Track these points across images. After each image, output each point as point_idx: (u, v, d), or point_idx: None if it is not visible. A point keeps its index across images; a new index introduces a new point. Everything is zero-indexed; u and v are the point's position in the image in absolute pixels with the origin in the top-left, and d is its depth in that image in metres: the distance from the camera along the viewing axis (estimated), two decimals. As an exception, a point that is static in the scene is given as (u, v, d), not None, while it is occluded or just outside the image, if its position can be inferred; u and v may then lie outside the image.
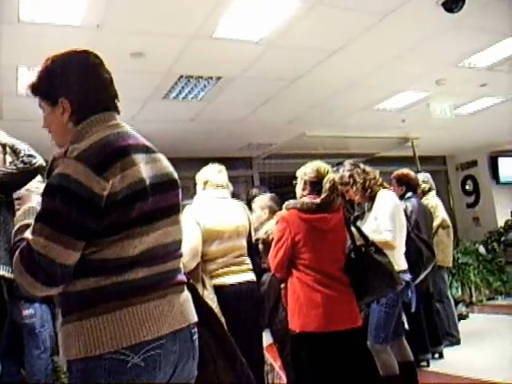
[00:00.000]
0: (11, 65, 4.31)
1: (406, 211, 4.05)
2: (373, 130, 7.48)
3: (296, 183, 3.19)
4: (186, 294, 1.62)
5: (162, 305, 1.49)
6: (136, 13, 3.69)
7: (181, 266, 1.66)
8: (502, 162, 9.86)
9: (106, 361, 1.39)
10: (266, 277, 3.47)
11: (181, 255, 1.66)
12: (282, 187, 7.26)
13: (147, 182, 1.50)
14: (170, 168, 1.67)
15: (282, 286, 3.18)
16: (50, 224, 1.39)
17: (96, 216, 1.40)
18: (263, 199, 4.00)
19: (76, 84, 1.61)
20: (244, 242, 3.41)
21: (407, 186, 4.90)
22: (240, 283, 3.16)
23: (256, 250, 3.56)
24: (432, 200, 5.61)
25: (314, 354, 2.87)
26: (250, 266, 3.40)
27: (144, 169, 1.51)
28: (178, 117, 5.97)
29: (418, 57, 5.00)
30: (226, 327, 1.91)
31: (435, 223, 5.43)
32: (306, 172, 3.15)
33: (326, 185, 3.03)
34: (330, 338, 2.86)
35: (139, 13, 3.69)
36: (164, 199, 1.57)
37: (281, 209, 3.29)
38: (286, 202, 3.08)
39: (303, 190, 3.13)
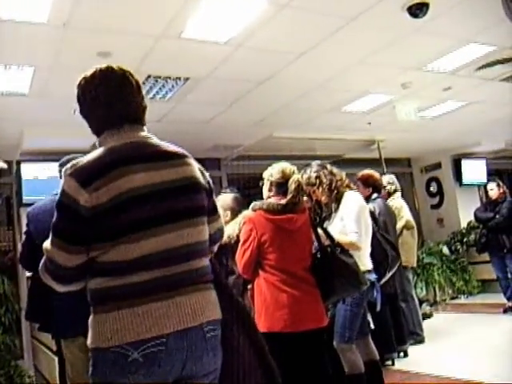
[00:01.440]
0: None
1: (373, 212, 4.11)
2: (339, 132, 7.55)
3: (263, 184, 3.20)
4: (206, 294, 1.71)
5: (167, 306, 1.60)
6: (103, 11, 3.64)
7: (202, 266, 1.73)
8: (465, 165, 10.07)
9: (112, 353, 1.56)
10: (230, 279, 3.48)
11: (202, 256, 1.74)
12: (250, 188, 7.27)
13: (143, 191, 1.62)
14: (188, 173, 1.76)
15: (249, 287, 3.19)
16: (54, 233, 1.65)
17: (84, 224, 1.59)
18: (225, 200, 3.97)
19: (85, 104, 1.81)
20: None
21: (373, 188, 4.98)
22: None
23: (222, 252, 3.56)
24: (397, 201, 5.71)
25: (281, 354, 2.86)
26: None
27: (141, 178, 1.63)
28: (146, 117, 5.90)
29: (383, 60, 5.08)
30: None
31: (400, 224, 5.53)
32: (271, 173, 3.17)
33: (292, 186, 3.05)
34: (296, 338, 2.89)
35: (106, 11, 3.65)
36: (172, 204, 1.67)
37: (240, 210, 3.30)
38: (253, 203, 3.09)
39: (269, 191, 3.15)
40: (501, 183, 7.27)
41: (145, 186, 1.63)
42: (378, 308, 3.70)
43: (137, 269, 1.59)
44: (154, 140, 1.80)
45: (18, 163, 6.50)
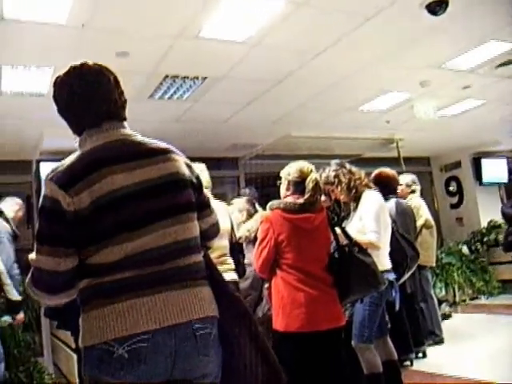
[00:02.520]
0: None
1: (390, 211, 4.07)
2: (358, 131, 7.52)
3: (280, 183, 3.20)
4: (196, 290, 1.66)
5: (153, 301, 1.56)
6: (122, 12, 3.67)
7: (192, 262, 1.68)
8: (485, 164, 9.96)
9: (97, 350, 1.54)
10: (249, 270, 3.49)
11: (192, 252, 1.70)
12: (267, 187, 7.26)
13: (126, 191, 1.60)
14: (172, 169, 1.71)
15: (266, 286, 3.19)
16: (38, 240, 1.62)
17: (67, 227, 1.58)
18: (241, 202, 4.04)
19: (62, 102, 1.77)
20: (226, 242, 3.43)
21: (388, 186, 4.90)
22: None
23: (239, 250, 3.57)
24: (415, 200, 5.66)
25: (298, 354, 2.88)
26: (232, 266, 3.42)
27: (123, 178, 1.61)
28: (163, 117, 5.94)
29: (401, 58, 5.05)
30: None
31: (419, 223, 5.47)
32: (289, 172, 3.16)
33: (309, 185, 3.04)
34: (313, 338, 2.88)
35: (125, 12, 3.67)
36: (156, 203, 1.64)
37: (256, 211, 3.29)
38: (270, 203, 3.09)
39: (287, 190, 3.14)
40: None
41: (126, 187, 1.60)
42: (397, 308, 3.68)
43: (122, 268, 1.56)
44: (136, 137, 1.76)
45: (38, 162, 6.58)
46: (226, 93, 5.45)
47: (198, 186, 1.80)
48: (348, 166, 3.67)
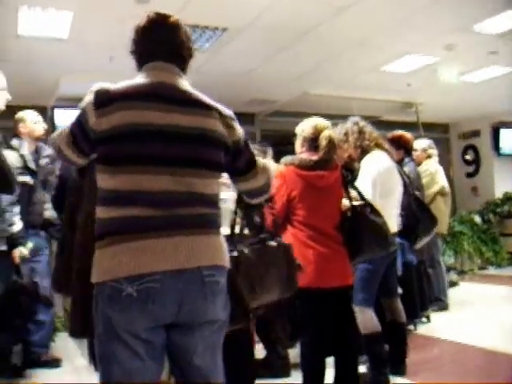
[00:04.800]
0: (12, 4, 4.21)
1: (408, 176, 4.00)
2: (377, 93, 7.40)
3: (295, 140, 3.16)
4: (207, 238, 1.70)
5: (163, 244, 1.60)
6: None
7: (206, 213, 1.72)
8: (504, 134, 9.79)
9: (108, 288, 1.59)
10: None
11: (208, 206, 1.73)
12: (283, 145, 7.21)
13: (151, 128, 1.64)
14: (209, 125, 1.74)
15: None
16: (68, 128, 1.78)
17: (87, 140, 1.70)
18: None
19: (132, 41, 1.85)
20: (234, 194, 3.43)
21: (405, 150, 4.84)
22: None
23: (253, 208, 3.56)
24: (432, 165, 5.59)
25: (305, 310, 2.89)
26: None
27: (154, 116, 1.65)
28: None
29: (427, 19, 4.90)
30: None
31: (433, 189, 5.43)
32: (303, 128, 3.10)
33: (323, 142, 2.99)
34: (321, 295, 2.89)
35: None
36: (177, 149, 1.67)
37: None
38: (284, 158, 3.04)
39: (301, 146, 3.10)
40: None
41: (154, 125, 1.65)
42: (399, 272, 3.68)
43: (133, 202, 1.61)
44: (185, 86, 1.79)
45: (53, 109, 6.57)
46: (245, 45, 5.36)
47: (235, 149, 1.83)
48: (362, 123, 3.59)
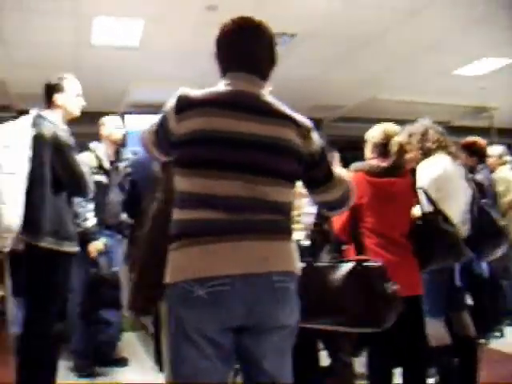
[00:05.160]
0: (86, 15, 4.37)
1: (481, 185, 3.82)
2: (448, 98, 7.18)
3: (364, 146, 3.10)
4: (277, 244, 1.71)
5: (234, 248, 1.62)
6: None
7: (277, 220, 1.72)
8: None
9: (179, 289, 1.62)
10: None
11: (279, 213, 1.72)
12: (350, 151, 7.12)
13: (225, 135, 1.67)
14: (285, 136, 1.74)
15: (344, 247, 3.14)
16: (151, 128, 1.85)
17: (167, 141, 1.76)
18: None
19: (216, 47, 1.87)
20: (303, 202, 3.40)
21: (479, 156, 4.65)
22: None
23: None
24: (508, 173, 5.35)
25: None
26: (303, 226, 3.39)
27: (229, 123, 1.68)
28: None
29: (502, 21, 4.71)
30: None
31: (509, 197, 5.19)
32: (373, 134, 3.05)
33: (393, 147, 2.93)
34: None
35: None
36: (251, 156, 1.69)
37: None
38: (353, 164, 3.01)
39: (371, 152, 3.04)
40: None
41: (224, 131, 1.67)
42: (457, 283, 3.51)
43: (206, 206, 1.63)
44: (265, 97, 1.79)
45: (123, 115, 6.77)
46: (313, 51, 5.35)
47: (311, 160, 1.81)
48: (429, 124, 3.44)
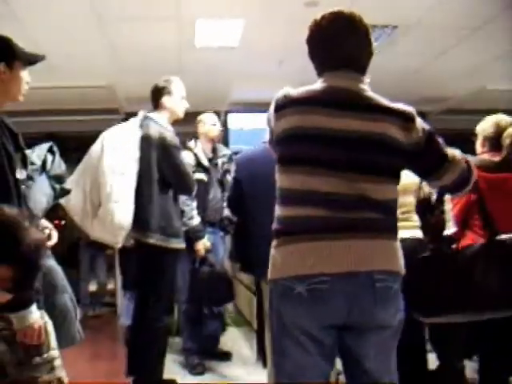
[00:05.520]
0: (189, 18, 4.49)
1: None
2: None
3: (476, 139, 2.95)
4: (380, 243, 1.68)
5: (335, 246, 1.62)
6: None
7: (380, 218, 1.68)
8: None
9: (280, 285, 1.67)
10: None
11: (385, 212, 1.70)
12: (459, 145, 6.82)
13: (319, 132, 1.67)
14: (384, 131, 1.70)
15: (454, 246, 3.00)
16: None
17: (272, 140, 1.83)
18: None
19: (310, 45, 1.86)
20: (411, 199, 3.31)
21: None
22: (404, 239, 3.04)
23: (427, 208, 3.40)
24: None
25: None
26: (417, 223, 3.29)
27: (324, 120, 1.68)
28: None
29: None
30: None
31: None
32: (484, 127, 2.91)
33: (506, 140, 2.76)
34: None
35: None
36: (347, 153, 1.67)
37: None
38: (464, 159, 2.86)
39: (482, 146, 2.92)
40: None
41: (320, 128, 1.68)
42: None
43: (305, 202, 1.65)
44: (364, 91, 1.76)
45: (226, 113, 6.91)
46: (415, 42, 5.16)
47: (417, 151, 1.76)
48: None
